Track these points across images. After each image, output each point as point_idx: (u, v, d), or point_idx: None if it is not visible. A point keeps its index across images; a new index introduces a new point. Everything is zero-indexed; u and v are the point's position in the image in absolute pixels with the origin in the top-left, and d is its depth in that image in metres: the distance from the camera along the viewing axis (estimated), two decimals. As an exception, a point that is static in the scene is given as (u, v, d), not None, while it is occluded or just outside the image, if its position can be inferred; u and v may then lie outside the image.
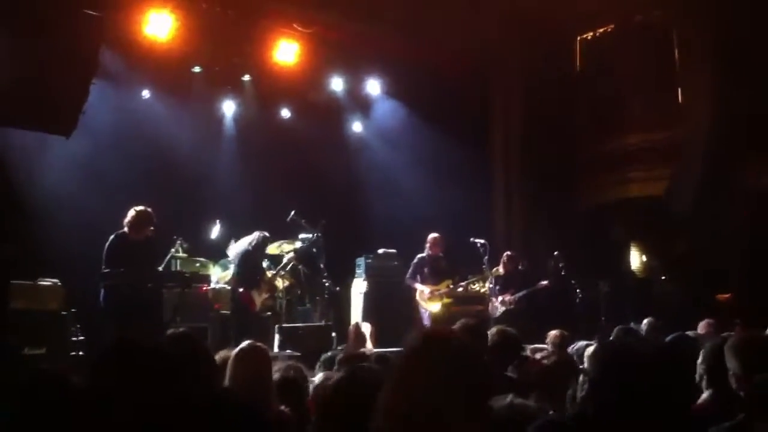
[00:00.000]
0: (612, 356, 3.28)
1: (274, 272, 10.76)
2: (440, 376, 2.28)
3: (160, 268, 9.49)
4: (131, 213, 8.82)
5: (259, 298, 10.43)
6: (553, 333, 6.76)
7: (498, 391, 2.88)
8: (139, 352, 2.77)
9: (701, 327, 7.61)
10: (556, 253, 11.48)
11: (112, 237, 8.74)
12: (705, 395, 4.20)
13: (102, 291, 8.61)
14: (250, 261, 10.50)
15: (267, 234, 10.61)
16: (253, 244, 10.53)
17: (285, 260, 10.85)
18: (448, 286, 11.44)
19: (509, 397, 2.94)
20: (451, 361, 2.32)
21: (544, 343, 7.04)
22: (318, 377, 4.02)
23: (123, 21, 10.32)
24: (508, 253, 11.74)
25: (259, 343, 4.50)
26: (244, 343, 4.44)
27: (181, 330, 4.28)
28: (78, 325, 9.30)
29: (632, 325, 8.22)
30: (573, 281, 11.17)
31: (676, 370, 4.02)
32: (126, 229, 8.78)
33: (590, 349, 4.29)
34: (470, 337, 4.77)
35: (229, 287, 10.66)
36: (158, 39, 10.58)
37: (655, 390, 3.08)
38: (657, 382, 3.11)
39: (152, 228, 8.85)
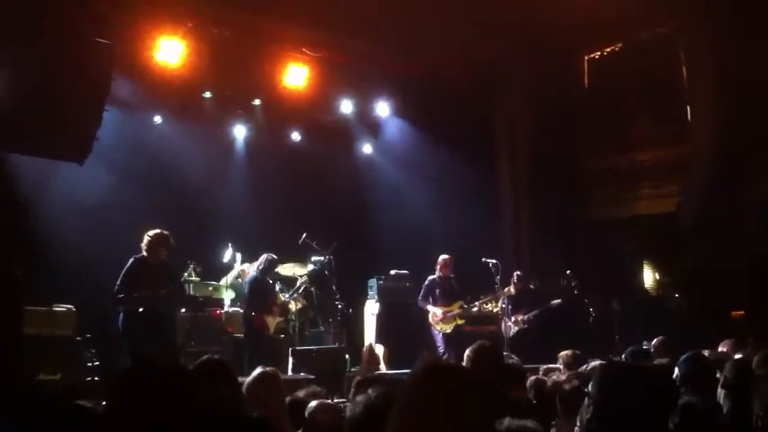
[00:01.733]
0: (614, 378, 3.28)
1: (287, 296, 10.79)
2: (443, 406, 2.29)
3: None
4: (148, 236, 8.90)
5: (273, 322, 10.45)
6: (565, 353, 6.71)
7: (513, 415, 2.90)
8: (161, 373, 2.79)
9: (723, 346, 7.48)
10: (568, 271, 11.46)
11: (131, 260, 8.80)
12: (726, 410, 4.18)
13: (121, 315, 8.67)
14: (259, 285, 10.54)
15: (274, 256, 10.63)
16: (260, 267, 10.56)
17: (298, 284, 10.88)
18: (460, 307, 11.44)
19: (506, 420, 2.94)
20: (454, 390, 2.33)
21: (555, 362, 7.03)
22: (312, 403, 4.05)
23: (135, 48, 10.42)
24: (519, 272, 11.73)
25: (271, 369, 4.54)
26: (257, 370, 4.49)
27: (216, 356, 4.36)
28: (92, 350, 9.34)
29: (645, 343, 8.21)
30: (586, 300, 11.14)
31: (679, 391, 4.02)
32: (144, 252, 8.85)
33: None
34: (485, 358, 4.80)
35: (241, 311, 10.69)
36: (169, 65, 10.69)
37: (658, 411, 3.08)
38: (660, 404, 3.11)
39: (167, 251, 8.92)
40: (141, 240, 9.03)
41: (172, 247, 8.97)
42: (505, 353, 5.78)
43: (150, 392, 2.65)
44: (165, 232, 8.96)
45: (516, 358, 6.00)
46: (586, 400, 4.11)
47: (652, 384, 3.21)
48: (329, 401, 4.17)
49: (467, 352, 5.18)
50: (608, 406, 3.16)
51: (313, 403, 4.02)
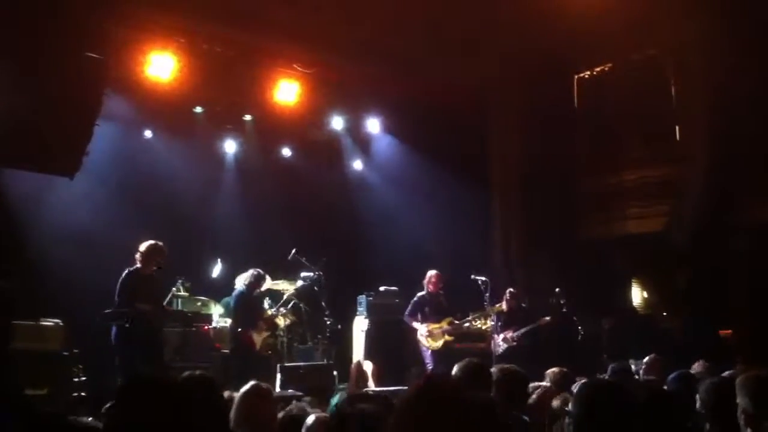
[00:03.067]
0: (594, 396, 3.29)
1: (274, 310, 10.76)
2: (440, 425, 2.29)
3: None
4: (144, 246, 8.90)
5: (260, 337, 10.41)
6: (552, 371, 6.71)
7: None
8: (160, 389, 2.80)
9: (696, 367, 7.50)
10: (558, 289, 11.48)
11: (125, 273, 8.80)
12: None
13: (114, 329, 8.65)
14: (245, 301, 10.50)
15: (260, 271, 10.60)
16: (246, 282, 10.53)
17: (285, 297, 10.86)
18: (450, 323, 11.42)
19: None
20: (446, 413, 2.33)
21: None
22: (310, 419, 4.01)
23: (126, 63, 10.43)
24: (511, 290, 11.71)
25: (263, 384, 4.53)
26: (249, 384, 4.47)
27: (198, 372, 4.35)
28: (80, 365, 9.30)
29: (632, 362, 8.22)
30: (575, 318, 11.15)
31: (663, 410, 4.02)
32: (139, 263, 8.85)
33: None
34: (473, 376, 4.81)
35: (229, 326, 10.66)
36: (160, 80, 10.70)
37: (638, 428, 3.10)
38: (639, 422, 3.12)
39: (160, 262, 8.94)
40: (129, 254, 9.02)
41: (165, 258, 8.98)
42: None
43: (152, 407, 2.66)
44: (160, 243, 8.98)
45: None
46: (566, 419, 4.12)
47: (631, 402, 3.23)
48: (326, 414, 4.15)
49: (455, 368, 5.19)
50: (589, 424, 3.17)
51: (311, 419, 4.00)
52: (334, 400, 5.48)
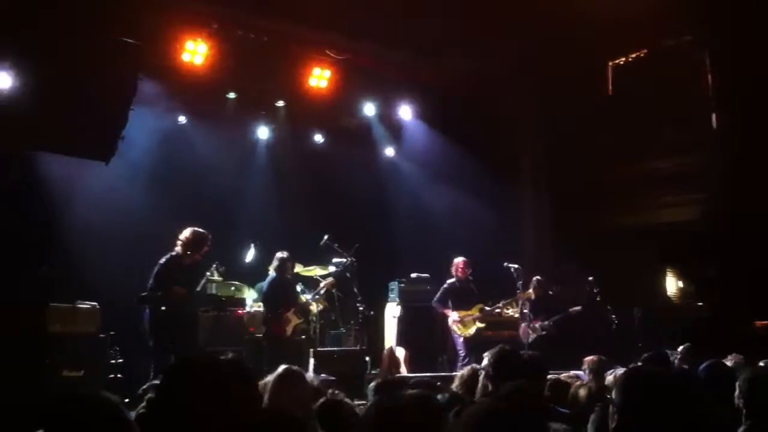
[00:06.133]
0: (635, 383, 3.25)
1: (310, 298, 10.81)
2: None
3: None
4: (189, 233, 8.96)
5: (293, 323, 10.46)
6: (590, 359, 6.70)
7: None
8: (208, 369, 2.83)
9: (731, 359, 7.40)
10: (590, 278, 11.42)
11: (167, 257, 8.87)
12: (742, 429, 4.11)
13: (147, 312, 8.74)
14: (277, 286, 10.57)
15: (284, 254, 10.63)
16: (274, 267, 10.58)
17: (321, 285, 10.90)
18: (480, 310, 11.41)
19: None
20: None
21: (579, 369, 7.01)
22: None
23: (160, 49, 10.48)
24: (538, 277, 11.68)
25: (294, 367, 4.54)
26: (281, 368, 4.48)
27: (231, 355, 4.37)
28: (116, 348, 9.41)
29: (667, 352, 8.15)
30: (609, 307, 11.08)
31: (701, 398, 3.96)
32: (179, 249, 8.91)
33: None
34: (502, 363, 4.80)
35: (262, 311, 10.74)
36: (194, 66, 10.75)
37: (679, 418, 3.06)
38: (680, 410, 3.08)
39: (205, 251, 9.02)
40: (162, 238, 9.10)
41: (207, 245, 9.06)
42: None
43: (199, 387, 2.69)
44: (202, 231, 9.04)
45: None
46: (610, 408, 4.09)
47: (675, 390, 3.19)
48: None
49: (486, 354, 5.19)
50: (632, 413, 3.14)
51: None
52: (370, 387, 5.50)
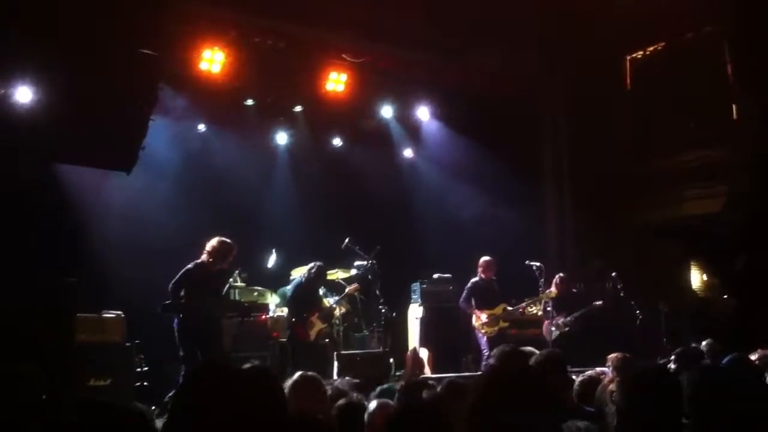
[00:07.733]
0: (635, 384, 3.23)
1: (334, 303, 10.86)
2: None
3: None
4: (216, 242, 9.02)
5: (317, 327, 10.51)
6: (614, 356, 6.64)
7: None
8: (226, 375, 2.86)
9: (758, 354, 7.30)
10: (614, 273, 11.34)
11: (192, 264, 8.94)
12: None
13: (175, 320, 8.81)
14: (303, 292, 10.62)
15: (321, 264, 10.71)
16: (308, 274, 10.64)
17: (346, 292, 10.95)
18: (504, 310, 11.38)
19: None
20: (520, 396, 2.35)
21: (603, 365, 6.95)
22: (372, 405, 4.03)
23: (179, 58, 10.59)
24: (561, 275, 11.63)
25: (309, 373, 4.57)
26: (296, 375, 4.52)
27: (257, 364, 4.39)
28: (141, 356, 9.50)
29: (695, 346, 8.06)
30: (632, 302, 11.01)
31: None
32: (205, 258, 8.97)
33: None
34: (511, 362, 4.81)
35: (286, 315, 10.80)
36: (212, 74, 10.84)
37: (679, 418, 3.04)
38: (680, 410, 3.06)
39: (230, 261, 9.08)
40: (186, 246, 9.17)
41: (232, 255, 9.12)
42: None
43: (218, 392, 2.71)
44: (232, 243, 9.10)
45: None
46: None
47: (675, 390, 3.16)
48: (389, 401, 4.17)
49: (495, 352, 5.21)
50: (631, 415, 3.13)
51: (373, 404, 4.02)
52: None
